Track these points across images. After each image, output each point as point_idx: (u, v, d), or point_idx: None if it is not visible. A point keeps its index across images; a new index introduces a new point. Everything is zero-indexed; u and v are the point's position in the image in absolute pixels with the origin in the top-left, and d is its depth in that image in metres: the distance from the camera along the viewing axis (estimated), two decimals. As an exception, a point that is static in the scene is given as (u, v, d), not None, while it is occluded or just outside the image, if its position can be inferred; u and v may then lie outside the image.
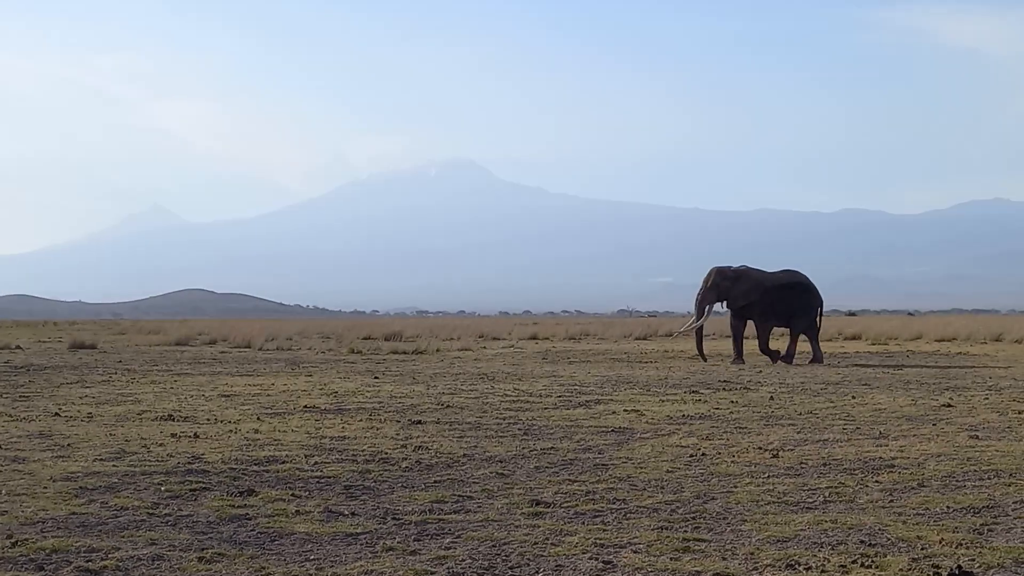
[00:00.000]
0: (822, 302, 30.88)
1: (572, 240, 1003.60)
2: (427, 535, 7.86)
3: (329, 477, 10.17)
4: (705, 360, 29.74)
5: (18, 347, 37.83)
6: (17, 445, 12.08)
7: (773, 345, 31.20)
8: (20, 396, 18.42)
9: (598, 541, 7.59)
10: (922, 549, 7.36)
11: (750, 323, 30.90)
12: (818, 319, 30.68)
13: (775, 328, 32.27)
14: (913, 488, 9.59)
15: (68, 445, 12.13)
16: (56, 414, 15.33)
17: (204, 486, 9.60)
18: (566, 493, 9.40)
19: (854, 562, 7.00)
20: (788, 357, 29.51)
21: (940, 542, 7.52)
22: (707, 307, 30.83)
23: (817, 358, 29.65)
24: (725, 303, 30.63)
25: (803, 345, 31.47)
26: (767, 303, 30.01)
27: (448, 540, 7.69)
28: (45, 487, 9.44)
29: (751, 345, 31.09)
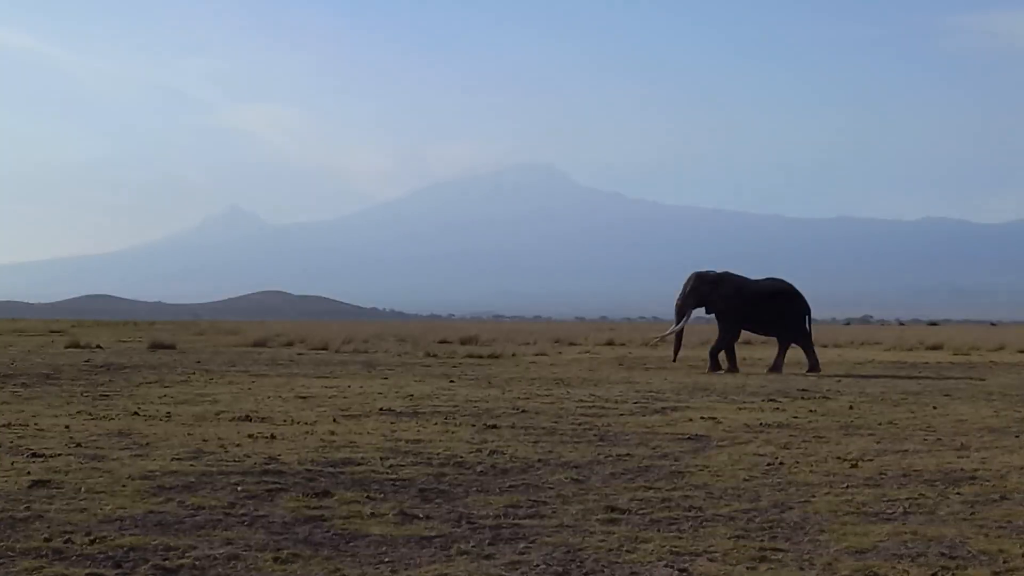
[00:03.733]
0: (809, 309, 30.48)
1: (650, 246, 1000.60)
2: (501, 539, 7.83)
3: (404, 480, 10.17)
4: (674, 361, 30.73)
5: (99, 346, 38.33)
6: (97, 443, 12.22)
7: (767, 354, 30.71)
8: (100, 395, 18.64)
9: (674, 549, 7.52)
10: (1004, 563, 7.23)
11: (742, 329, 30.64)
12: (808, 327, 30.28)
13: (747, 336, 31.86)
14: (995, 500, 9.43)
15: (147, 444, 12.24)
16: (135, 413, 15.49)
17: (280, 487, 9.64)
18: (642, 500, 9.34)
19: (934, 574, 6.90)
20: (777, 368, 29.16)
21: (1022, 555, 7.39)
22: (687, 312, 30.58)
23: (814, 367, 29.13)
24: (705, 309, 30.43)
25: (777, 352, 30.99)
26: (747, 310, 29.69)
27: (522, 545, 7.66)
28: (123, 485, 9.52)
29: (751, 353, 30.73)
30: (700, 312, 30.84)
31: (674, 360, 30.83)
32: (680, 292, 30.70)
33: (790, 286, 30.44)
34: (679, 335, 31.17)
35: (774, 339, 31.20)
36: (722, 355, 29.42)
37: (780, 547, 7.62)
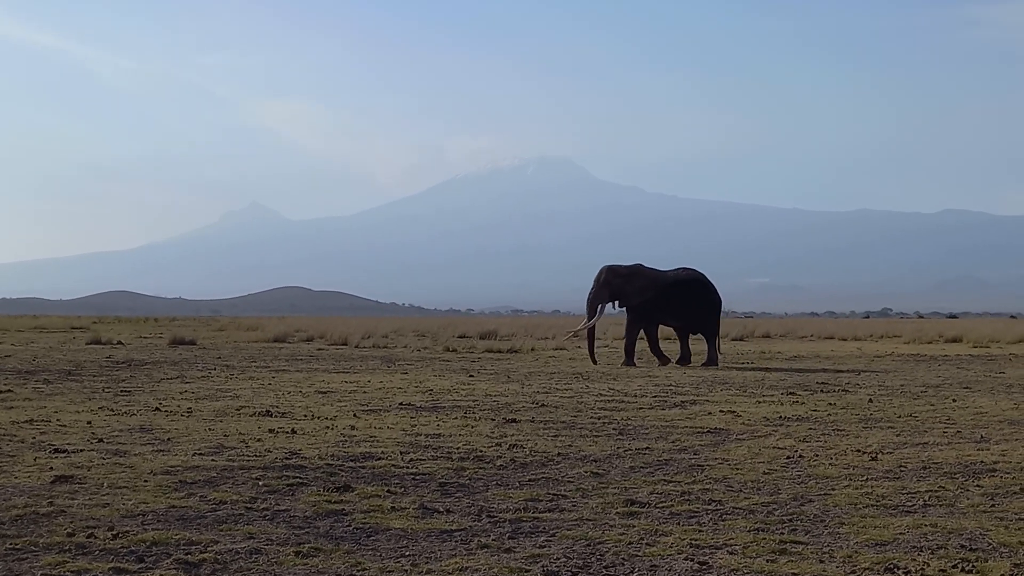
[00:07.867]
0: (721, 301, 30.15)
1: (668, 239, 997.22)
2: (521, 533, 7.85)
3: (424, 474, 10.20)
4: (595, 363, 28.77)
5: (120, 343, 38.46)
6: (118, 439, 12.27)
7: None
8: (121, 391, 18.71)
9: (694, 542, 7.53)
10: (1025, 555, 7.23)
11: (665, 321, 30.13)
12: (718, 318, 30.00)
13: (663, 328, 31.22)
14: (1015, 493, 9.42)
15: (168, 439, 12.29)
16: (156, 409, 15.55)
17: (301, 481, 9.68)
18: (661, 493, 9.35)
19: (954, 567, 6.89)
20: (685, 359, 29.14)
21: (1043, 548, 7.38)
22: (599, 306, 29.93)
23: (712, 359, 28.92)
24: (617, 302, 29.88)
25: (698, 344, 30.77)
26: (661, 302, 29.28)
27: (542, 538, 7.68)
28: (145, 480, 9.56)
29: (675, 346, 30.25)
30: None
31: (594, 361, 29.06)
32: (592, 287, 30.12)
33: (703, 276, 30.10)
34: (592, 332, 30.13)
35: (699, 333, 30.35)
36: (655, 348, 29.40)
37: (800, 540, 7.62)
